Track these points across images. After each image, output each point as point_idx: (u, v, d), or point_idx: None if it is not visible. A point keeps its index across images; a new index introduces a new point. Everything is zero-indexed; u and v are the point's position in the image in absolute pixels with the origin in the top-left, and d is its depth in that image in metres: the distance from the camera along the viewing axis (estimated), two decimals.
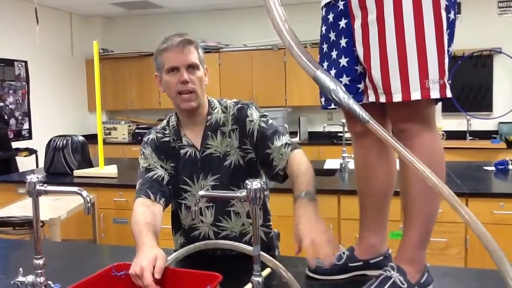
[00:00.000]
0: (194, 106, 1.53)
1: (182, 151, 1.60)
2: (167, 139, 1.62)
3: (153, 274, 1.16)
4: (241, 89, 6.15)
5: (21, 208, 2.73)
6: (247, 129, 1.57)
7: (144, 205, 1.48)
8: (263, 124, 1.57)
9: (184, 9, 6.74)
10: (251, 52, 6.31)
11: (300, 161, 1.51)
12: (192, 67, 1.52)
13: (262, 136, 1.56)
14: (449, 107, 5.68)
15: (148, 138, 1.65)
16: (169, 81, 1.52)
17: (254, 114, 1.59)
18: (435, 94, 1.13)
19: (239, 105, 1.61)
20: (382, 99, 1.16)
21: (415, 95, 1.12)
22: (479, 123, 5.88)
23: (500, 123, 5.80)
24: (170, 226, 1.72)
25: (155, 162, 1.59)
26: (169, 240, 1.75)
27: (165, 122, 1.68)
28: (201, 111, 1.59)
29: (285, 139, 1.56)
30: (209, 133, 1.58)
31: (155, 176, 1.56)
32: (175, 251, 1.72)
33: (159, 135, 1.64)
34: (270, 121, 1.60)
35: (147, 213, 1.44)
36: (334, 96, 0.96)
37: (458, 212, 0.79)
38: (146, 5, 6.44)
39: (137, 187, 1.57)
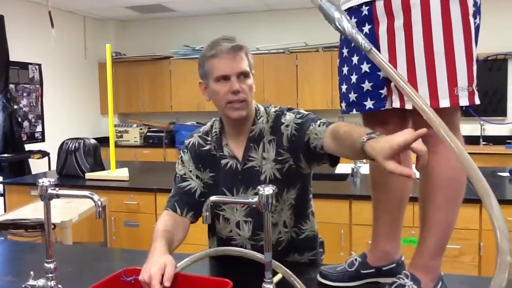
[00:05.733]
0: (244, 115, 1.45)
1: (223, 162, 1.52)
2: (207, 147, 1.55)
3: (162, 282, 1.15)
4: None
5: (33, 211, 2.75)
6: (283, 138, 1.47)
7: (169, 215, 1.48)
8: (298, 121, 1.46)
9: (197, 12, 6.76)
10: (263, 56, 6.30)
11: (340, 124, 1.33)
12: (243, 75, 1.44)
13: (299, 130, 1.44)
14: (463, 111, 5.59)
15: (190, 142, 1.58)
16: (219, 90, 1.43)
17: (288, 117, 1.49)
18: (464, 101, 1.12)
19: (277, 113, 1.52)
20: (408, 106, 1.14)
21: (444, 102, 1.11)
22: (493, 128, 5.81)
23: None
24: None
25: (190, 171, 1.54)
26: (190, 245, 1.70)
27: (208, 125, 1.59)
28: (248, 120, 1.50)
29: (320, 121, 1.43)
30: (252, 144, 1.49)
31: (187, 187, 1.52)
32: None
33: (200, 140, 1.56)
34: (306, 114, 1.48)
35: (169, 221, 1.44)
36: (338, 25, 0.99)
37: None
38: (159, 9, 6.48)
39: (170, 193, 1.55)
